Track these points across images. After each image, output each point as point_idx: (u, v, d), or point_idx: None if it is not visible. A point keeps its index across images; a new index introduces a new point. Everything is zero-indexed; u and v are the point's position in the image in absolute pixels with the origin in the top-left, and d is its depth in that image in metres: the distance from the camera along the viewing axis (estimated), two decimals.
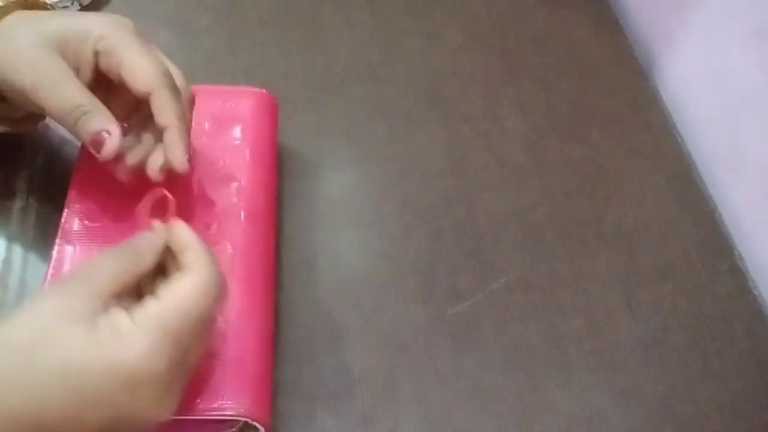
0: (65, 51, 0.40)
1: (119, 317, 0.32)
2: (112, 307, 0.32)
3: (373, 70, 0.60)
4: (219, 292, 0.35)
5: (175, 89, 0.41)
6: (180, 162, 0.40)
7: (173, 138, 0.40)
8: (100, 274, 0.33)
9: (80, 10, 0.62)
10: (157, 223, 0.37)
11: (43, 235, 0.49)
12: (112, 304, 0.33)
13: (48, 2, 0.59)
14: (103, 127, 0.39)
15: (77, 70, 0.41)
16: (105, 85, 0.42)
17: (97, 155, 0.39)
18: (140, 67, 0.40)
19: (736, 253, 0.52)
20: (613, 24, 0.65)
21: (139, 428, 0.33)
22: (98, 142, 0.39)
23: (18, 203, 0.50)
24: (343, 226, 0.52)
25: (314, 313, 0.48)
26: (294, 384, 0.45)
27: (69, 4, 0.61)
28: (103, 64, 0.41)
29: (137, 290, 0.35)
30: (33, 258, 0.48)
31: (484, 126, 0.58)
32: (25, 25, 0.41)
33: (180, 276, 0.34)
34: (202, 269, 0.34)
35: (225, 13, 0.63)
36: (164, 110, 0.40)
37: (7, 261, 0.48)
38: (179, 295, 0.33)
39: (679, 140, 0.58)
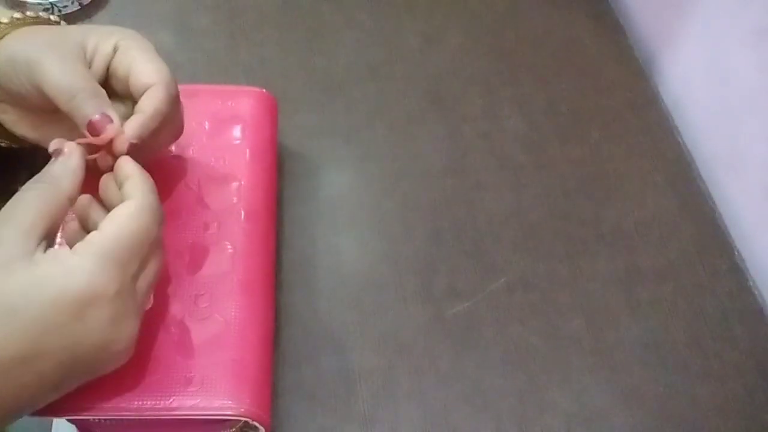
0: (85, 43, 0.40)
1: (58, 250, 0.32)
2: (48, 246, 0.33)
3: (373, 70, 0.60)
4: (156, 214, 0.35)
5: (176, 97, 0.41)
6: (125, 137, 0.38)
7: (139, 119, 0.39)
8: (23, 213, 0.33)
9: (79, 9, 0.62)
10: (66, 144, 0.36)
11: None
12: (46, 241, 0.33)
13: (50, 1, 0.59)
14: (105, 111, 0.39)
15: (90, 63, 0.41)
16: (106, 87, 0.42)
17: (93, 139, 0.38)
18: (153, 65, 0.40)
19: (736, 253, 0.52)
20: (613, 24, 0.65)
21: (100, 364, 0.34)
22: (95, 127, 0.38)
23: None
24: (343, 226, 0.52)
25: (314, 313, 0.48)
26: (294, 384, 0.45)
27: (69, 3, 0.61)
28: (116, 61, 0.41)
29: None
30: None
31: (484, 126, 0.58)
32: (44, 28, 0.41)
33: (118, 207, 0.35)
34: (137, 195, 0.35)
35: (225, 13, 0.63)
36: (152, 98, 0.40)
37: None
38: (117, 221, 0.34)
39: (679, 140, 0.58)
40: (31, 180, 0.35)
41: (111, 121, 0.39)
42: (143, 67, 0.40)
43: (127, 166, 0.37)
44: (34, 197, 0.34)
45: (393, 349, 0.47)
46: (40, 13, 0.43)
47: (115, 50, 0.41)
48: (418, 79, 0.60)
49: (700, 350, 0.48)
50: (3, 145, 0.45)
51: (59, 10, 0.61)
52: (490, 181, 0.55)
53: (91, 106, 0.39)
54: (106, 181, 0.38)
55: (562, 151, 0.56)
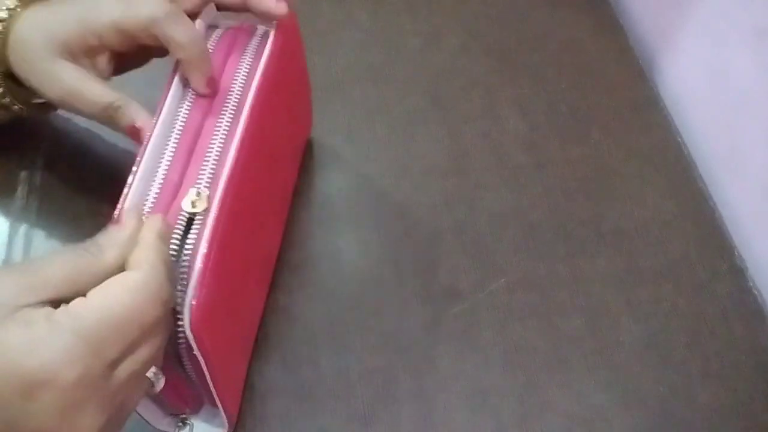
0: (80, 47, 0.42)
1: (36, 315, 0.28)
2: (45, 306, 0.29)
3: (373, 70, 0.60)
4: (161, 293, 0.30)
5: None
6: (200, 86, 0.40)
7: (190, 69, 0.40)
8: (49, 271, 0.30)
9: None
10: (129, 214, 0.34)
11: (43, 236, 0.49)
12: (48, 304, 0.29)
13: None
14: (135, 117, 0.42)
15: (94, 64, 0.42)
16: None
17: (136, 143, 0.40)
18: None
19: (736, 253, 0.52)
20: (613, 24, 0.65)
21: None
22: (134, 133, 0.42)
23: (18, 203, 0.50)
24: (343, 226, 0.52)
25: (314, 313, 0.48)
26: (294, 384, 0.45)
27: None
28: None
29: None
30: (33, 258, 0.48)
31: (484, 126, 0.58)
32: (37, 31, 0.42)
33: (117, 276, 0.31)
34: (142, 265, 0.30)
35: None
36: None
37: (7, 262, 0.48)
38: (108, 294, 0.29)
39: (679, 140, 0.58)
40: (77, 245, 0.32)
41: (142, 125, 0.41)
42: None
43: (146, 229, 0.33)
44: (66, 259, 0.30)
45: (393, 349, 0.47)
46: None
47: (118, 32, 0.41)
48: (418, 79, 0.60)
49: (700, 350, 0.48)
50: (15, 108, 0.46)
51: None
52: (490, 181, 0.55)
53: (125, 119, 0.41)
54: (121, 236, 0.33)
55: (562, 151, 0.56)
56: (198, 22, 0.43)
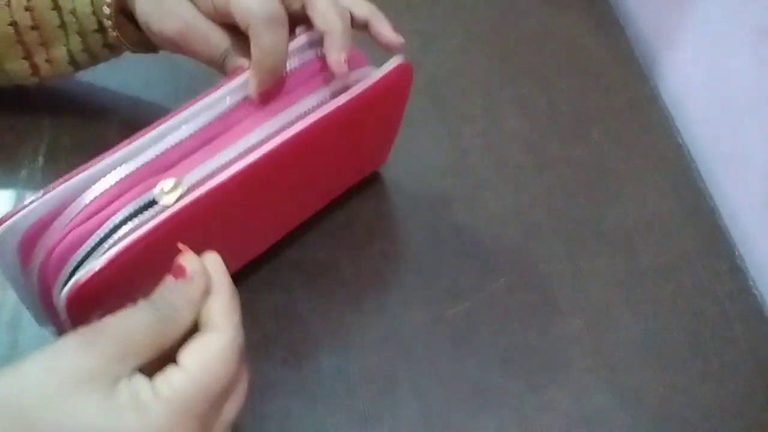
0: None
1: (141, 386, 0.28)
2: (136, 373, 0.29)
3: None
4: (241, 349, 0.31)
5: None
6: (336, 61, 0.40)
7: (331, 40, 0.41)
8: (137, 337, 0.29)
9: None
10: (192, 267, 0.31)
11: None
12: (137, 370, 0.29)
13: None
14: (243, 63, 0.41)
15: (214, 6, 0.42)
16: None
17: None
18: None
19: (736, 253, 0.52)
20: (613, 24, 0.65)
21: None
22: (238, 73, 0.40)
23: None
24: (343, 226, 0.52)
25: (314, 313, 0.48)
26: (294, 384, 0.45)
27: None
28: None
29: None
30: None
31: (484, 126, 0.58)
32: None
33: (203, 336, 0.30)
34: (226, 328, 0.30)
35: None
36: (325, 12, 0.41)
37: None
38: (203, 361, 0.29)
39: (679, 140, 0.58)
40: (146, 301, 0.31)
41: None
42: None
43: (220, 282, 0.32)
44: (148, 324, 0.30)
45: (393, 349, 0.47)
46: None
47: None
48: (418, 79, 0.60)
49: (700, 350, 0.48)
50: (122, 47, 0.47)
51: None
52: (490, 181, 0.55)
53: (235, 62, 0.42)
54: (194, 294, 0.31)
55: (562, 151, 0.56)
56: (301, 36, 0.42)
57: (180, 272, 0.31)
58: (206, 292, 0.31)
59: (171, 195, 0.36)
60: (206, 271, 0.32)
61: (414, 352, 0.47)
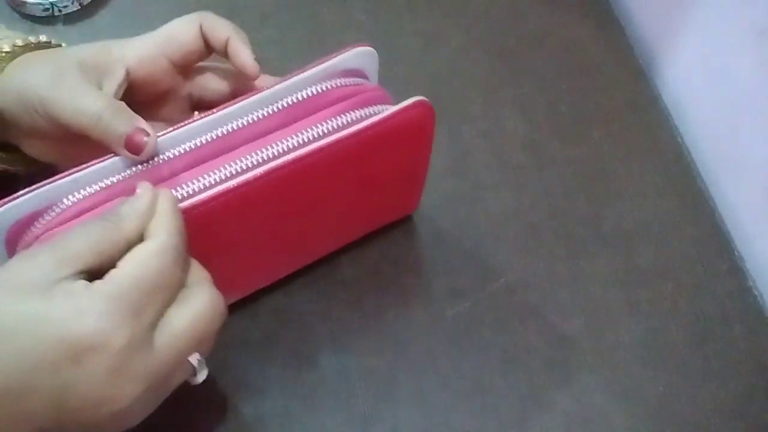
0: (90, 64, 0.40)
1: (75, 286, 0.30)
2: (79, 278, 0.31)
3: None
4: (179, 257, 0.32)
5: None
6: (251, 65, 0.41)
7: (236, 45, 0.41)
8: (76, 243, 0.31)
9: (79, 9, 0.62)
10: (142, 185, 0.35)
11: None
12: (87, 275, 0.31)
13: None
14: (137, 124, 0.38)
15: (101, 84, 0.40)
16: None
17: (136, 157, 0.38)
18: (175, 26, 0.43)
19: (736, 253, 0.52)
20: (613, 24, 0.65)
21: (94, 421, 0.30)
22: (135, 144, 0.37)
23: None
24: None
25: (314, 313, 0.48)
26: (294, 384, 0.45)
27: (69, 3, 0.61)
28: (140, 73, 0.41)
29: None
30: None
31: (484, 126, 0.58)
32: (41, 55, 0.41)
33: (139, 244, 0.32)
34: (161, 234, 0.33)
35: (225, 12, 0.63)
36: (216, 25, 0.42)
37: None
38: (134, 259, 0.31)
39: (679, 140, 0.58)
40: (96, 215, 0.34)
41: (147, 134, 0.37)
42: (211, 25, 0.43)
43: (161, 201, 0.34)
44: (90, 231, 0.32)
45: (393, 349, 0.47)
46: (41, 37, 0.43)
47: (128, 71, 0.41)
48: (418, 79, 0.60)
49: (700, 350, 0.48)
50: (12, 170, 0.44)
51: (59, 10, 0.61)
52: (490, 181, 0.55)
53: (122, 122, 0.38)
54: (139, 206, 0.35)
55: (562, 151, 0.56)
56: (269, 80, 0.43)
57: (132, 193, 0.35)
58: (152, 209, 0.34)
59: None
60: (155, 192, 0.34)
61: (414, 352, 0.47)
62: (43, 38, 0.43)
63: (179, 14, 0.62)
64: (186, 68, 0.44)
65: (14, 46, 0.41)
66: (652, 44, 0.65)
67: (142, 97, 0.43)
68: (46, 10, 0.61)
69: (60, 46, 0.44)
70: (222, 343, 0.46)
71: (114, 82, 0.41)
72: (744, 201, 0.55)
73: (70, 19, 0.62)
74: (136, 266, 0.31)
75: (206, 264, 0.35)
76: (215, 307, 0.33)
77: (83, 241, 0.31)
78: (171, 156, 0.38)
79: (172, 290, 0.32)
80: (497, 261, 0.51)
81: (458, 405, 0.45)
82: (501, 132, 0.57)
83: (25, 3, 0.61)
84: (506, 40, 0.63)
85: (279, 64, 0.60)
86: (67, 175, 0.37)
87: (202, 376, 0.34)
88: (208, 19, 0.43)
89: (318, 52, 0.61)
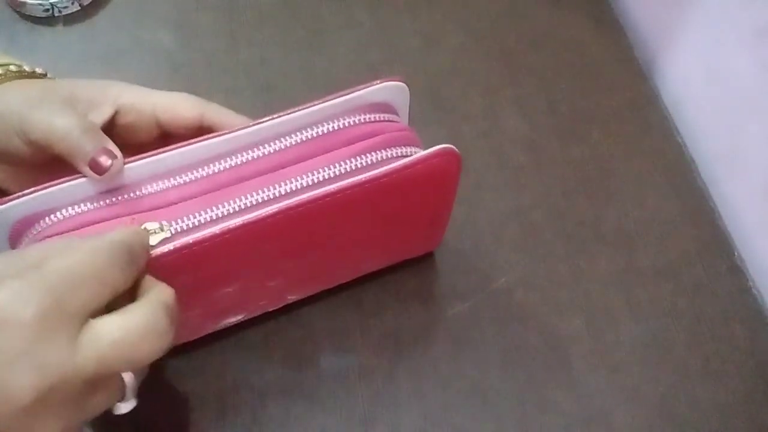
0: (76, 97, 0.39)
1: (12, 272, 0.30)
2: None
3: (373, 70, 0.60)
4: (115, 259, 0.31)
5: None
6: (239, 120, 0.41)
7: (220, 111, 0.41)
8: (30, 250, 0.32)
9: (79, 10, 0.62)
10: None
11: None
12: None
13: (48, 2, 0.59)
14: (104, 145, 0.37)
15: (85, 116, 0.39)
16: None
17: (98, 178, 0.37)
18: (179, 98, 0.41)
19: (736, 253, 0.52)
20: (613, 24, 0.65)
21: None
22: (98, 163, 0.37)
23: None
24: None
25: (314, 313, 0.48)
26: (294, 384, 0.45)
27: (69, 3, 0.61)
28: (126, 119, 0.41)
29: None
30: None
31: (484, 126, 0.58)
32: (30, 82, 0.41)
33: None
34: (105, 236, 0.32)
35: (225, 13, 0.63)
36: (222, 116, 0.41)
37: None
38: (67, 252, 0.31)
39: (679, 140, 0.58)
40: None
41: (115, 156, 0.37)
42: (173, 103, 0.41)
43: None
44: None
45: (393, 349, 0.47)
46: (25, 67, 0.42)
47: (117, 111, 0.40)
48: (418, 79, 0.60)
49: (700, 350, 0.48)
50: None
51: (59, 11, 0.61)
52: (490, 181, 0.55)
53: (89, 140, 0.37)
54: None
55: (562, 151, 0.56)
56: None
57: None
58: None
59: (154, 237, 0.35)
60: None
61: (414, 352, 0.47)
62: (39, 70, 0.42)
63: (179, 15, 0.63)
64: (169, 133, 0.43)
65: (7, 70, 0.40)
66: (652, 44, 0.65)
67: (117, 139, 0.41)
68: (47, 10, 0.61)
69: (45, 75, 0.43)
70: (222, 343, 0.47)
71: (100, 116, 0.40)
72: (744, 201, 0.55)
73: (71, 19, 0.62)
74: (67, 257, 0.30)
75: (210, 294, 0.35)
76: (154, 326, 0.31)
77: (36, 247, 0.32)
78: (182, 182, 0.37)
79: (105, 290, 0.31)
80: (497, 261, 0.51)
81: (458, 405, 0.45)
82: (501, 132, 0.57)
83: (25, 3, 0.61)
84: (506, 40, 0.63)
85: (279, 64, 0.60)
86: (74, 179, 0.37)
87: (127, 406, 0.32)
88: (212, 113, 0.42)
89: (318, 52, 0.61)
